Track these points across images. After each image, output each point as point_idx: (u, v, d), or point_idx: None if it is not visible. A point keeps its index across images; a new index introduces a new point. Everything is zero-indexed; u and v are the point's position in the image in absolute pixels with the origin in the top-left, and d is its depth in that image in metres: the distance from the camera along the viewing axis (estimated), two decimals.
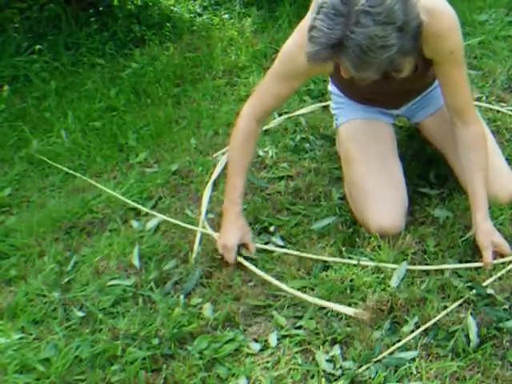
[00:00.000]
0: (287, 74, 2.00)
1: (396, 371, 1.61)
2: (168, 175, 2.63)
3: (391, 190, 2.09)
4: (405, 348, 1.68)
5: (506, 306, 1.76)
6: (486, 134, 2.04)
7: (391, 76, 1.95)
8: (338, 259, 1.99)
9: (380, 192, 2.07)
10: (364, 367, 1.63)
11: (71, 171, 2.80)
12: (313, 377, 1.64)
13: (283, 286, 1.92)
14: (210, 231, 2.19)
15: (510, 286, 1.82)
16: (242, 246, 2.08)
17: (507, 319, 1.71)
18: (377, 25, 1.57)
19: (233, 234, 2.06)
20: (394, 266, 1.92)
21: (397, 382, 1.59)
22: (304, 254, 2.02)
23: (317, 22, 1.60)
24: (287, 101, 2.17)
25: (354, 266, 1.96)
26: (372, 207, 2.06)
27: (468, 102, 1.98)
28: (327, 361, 1.67)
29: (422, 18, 1.71)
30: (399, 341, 1.70)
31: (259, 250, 2.09)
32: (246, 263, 2.03)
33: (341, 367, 1.65)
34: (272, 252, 2.09)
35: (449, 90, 1.97)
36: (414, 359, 1.64)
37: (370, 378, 1.60)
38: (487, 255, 1.87)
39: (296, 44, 1.95)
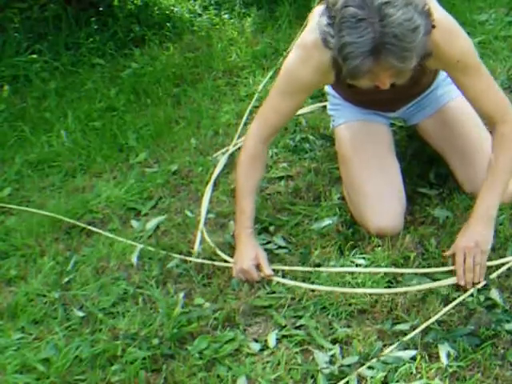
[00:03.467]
0: (292, 90, 1.98)
1: (396, 371, 1.61)
2: (168, 175, 2.63)
3: (389, 190, 2.09)
4: (403, 347, 1.68)
5: (507, 307, 1.75)
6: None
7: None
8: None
9: (378, 193, 2.07)
10: (363, 367, 1.63)
11: None
12: (312, 377, 1.64)
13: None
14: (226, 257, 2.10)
15: (510, 286, 1.83)
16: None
17: (507, 321, 1.71)
18: (400, 9, 1.56)
19: (246, 255, 2.00)
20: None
21: (397, 381, 1.59)
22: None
23: (345, 38, 1.58)
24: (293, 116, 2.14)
25: (357, 266, 1.97)
26: (370, 208, 2.06)
27: (494, 105, 1.90)
28: (327, 362, 1.67)
29: None
30: (399, 341, 1.70)
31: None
32: (278, 280, 1.96)
33: (340, 365, 1.65)
34: (271, 251, 2.10)
35: (469, 97, 1.94)
36: (414, 358, 1.64)
37: (371, 377, 1.60)
38: (459, 260, 1.84)
39: (298, 59, 1.94)
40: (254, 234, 2.08)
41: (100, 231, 2.34)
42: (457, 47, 1.85)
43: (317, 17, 1.86)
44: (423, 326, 1.71)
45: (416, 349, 1.67)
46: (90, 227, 2.36)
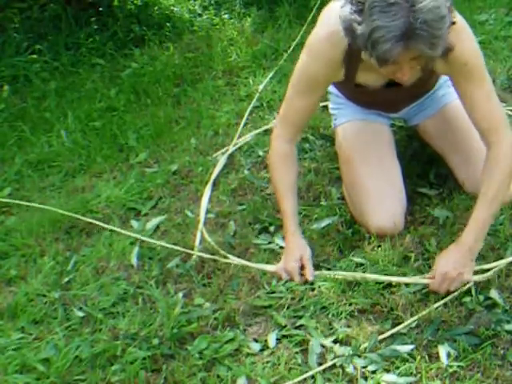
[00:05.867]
0: (306, 88, 1.99)
1: (396, 370, 1.61)
2: (168, 175, 2.63)
3: (390, 190, 2.09)
4: (401, 342, 1.69)
5: (507, 307, 1.75)
6: (506, 151, 1.85)
7: (394, 83, 1.95)
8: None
9: (379, 192, 2.07)
10: (360, 358, 1.64)
11: None
12: (313, 377, 1.64)
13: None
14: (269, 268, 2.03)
15: (510, 286, 1.83)
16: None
17: (507, 321, 1.70)
18: None
19: (292, 256, 1.97)
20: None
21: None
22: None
23: (375, 22, 1.58)
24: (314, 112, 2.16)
25: (359, 265, 1.97)
26: (371, 208, 2.06)
27: (490, 121, 1.86)
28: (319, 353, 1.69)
29: None
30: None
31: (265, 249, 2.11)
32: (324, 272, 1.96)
33: (334, 357, 1.67)
34: (272, 251, 2.10)
35: (466, 106, 1.91)
36: (413, 357, 1.64)
37: (363, 366, 1.60)
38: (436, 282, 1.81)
39: (309, 55, 1.95)
40: (299, 232, 2.05)
41: (103, 224, 2.35)
42: (467, 49, 1.84)
43: (329, 13, 1.88)
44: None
45: (413, 344, 1.67)
46: (93, 220, 2.37)
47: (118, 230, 2.30)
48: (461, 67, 1.85)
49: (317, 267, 1.99)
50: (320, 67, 1.93)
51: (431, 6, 1.57)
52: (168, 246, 2.17)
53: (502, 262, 1.88)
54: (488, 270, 1.86)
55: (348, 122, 2.25)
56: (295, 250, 1.99)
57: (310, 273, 1.95)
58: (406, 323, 1.73)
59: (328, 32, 1.86)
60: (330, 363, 1.66)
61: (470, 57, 1.85)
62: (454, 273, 1.79)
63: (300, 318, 1.82)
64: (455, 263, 1.80)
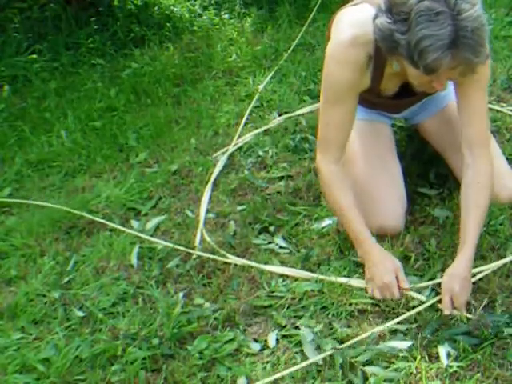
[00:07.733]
0: (337, 96, 1.94)
1: (396, 370, 1.61)
2: (168, 175, 2.63)
3: (391, 189, 2.09)
4: (401, 340, 1.69)
5: (504, 308, 1.75)
6: (491, 171, 1.90)
7: (403, 93, 1.95)
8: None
9: (379, 192, 2.07)
10: (360, 358, 1.64)
11: None
12: (313, 377, 1.64)
13: None
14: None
15: (510, 287, 1.83)
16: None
17: (507, 323, 1.70)
18: (473, 5, 1.59)
19: (387, 269, 1.86)
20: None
21: (397, 381, 1.59)
22: None
23: (422, 31, 1.57)
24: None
25: (359, 266, 1.97)
26: (371, 207, 2.06)
27: (482, 135, 1.90)
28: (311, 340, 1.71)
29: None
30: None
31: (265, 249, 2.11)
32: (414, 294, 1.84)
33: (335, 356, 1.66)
34: (272, 251, 2.10)
35: (466, 114, 1.90)
36: (414, 357, 1.64)
37: (371, 371, 1.60)
38: (445, 301, 1.75)
39: (333, 62, 1.91)
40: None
41: (107, 222, 2.35)
42: None
43: (346, 19, 1.90)
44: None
45: (412, 340, 1.67)
46: (96, 218, 2.38)
47: (121, 227, 2.31)
48: (471, 75, 1.80)
49: (318, 267, 2.00)
50: (346, 72, 1.89)
51: (476, 15, 1.58)
52: (171, 245, 2.17)
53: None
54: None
55: None
56: (388, 263, 1.89)
57: (404, 281, 1.85)
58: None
59: (350, 37, 1.85)
60: (329, 362, 1.66)
61: (479, 68, 1.83)
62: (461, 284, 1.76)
63: (300, 318, 1.82)
64: (459, 275, 1.78)
